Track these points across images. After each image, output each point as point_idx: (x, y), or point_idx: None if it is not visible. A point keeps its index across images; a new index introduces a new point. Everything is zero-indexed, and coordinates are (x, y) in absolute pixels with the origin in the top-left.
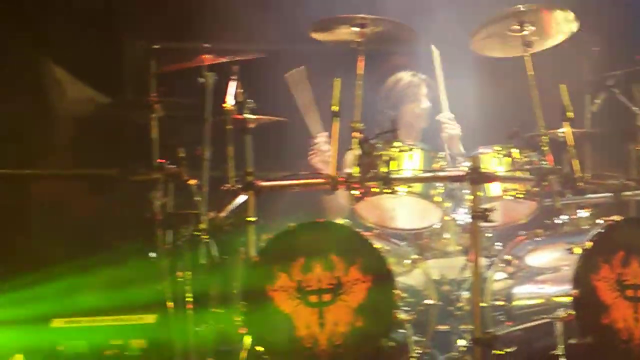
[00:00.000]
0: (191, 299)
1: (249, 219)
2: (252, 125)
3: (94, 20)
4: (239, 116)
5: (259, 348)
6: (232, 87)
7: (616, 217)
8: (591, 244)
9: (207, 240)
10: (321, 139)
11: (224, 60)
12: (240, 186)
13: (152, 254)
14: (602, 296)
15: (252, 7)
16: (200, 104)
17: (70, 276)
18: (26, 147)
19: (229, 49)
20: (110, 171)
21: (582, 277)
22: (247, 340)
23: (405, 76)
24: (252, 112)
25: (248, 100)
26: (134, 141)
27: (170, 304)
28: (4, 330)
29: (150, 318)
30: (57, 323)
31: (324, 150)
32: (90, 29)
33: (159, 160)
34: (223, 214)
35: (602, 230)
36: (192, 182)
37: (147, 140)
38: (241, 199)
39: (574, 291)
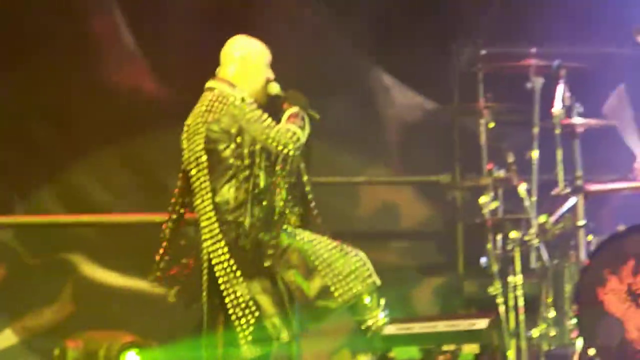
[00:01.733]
0: (522, 304)
1: (579, 222)
2: (580, 129)
3: (422, 27)
4: (568, 120)
5: (591, 351)
6: (560, 91)
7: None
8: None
9: (538, 245)
10: None
11: (551, 64)
12: (569, 190)
13: (483, 259)
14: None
15: (579, 9)
16: (528, 108)
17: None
18: (355, 153)
19: (557, 52)
20: (439, 177)
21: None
22: (579, 343)
23: None
24: (581, 116)
25: (576, 104)
26: (462, 147)
27: (501, 309)
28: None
29: (482, 323)
30: (389, 330)
31: None
32: (418, 36)
33: (488, 166)
34: (553, 218)
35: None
36: (522, 186)
37: (475, 146)
38: (571, 202)
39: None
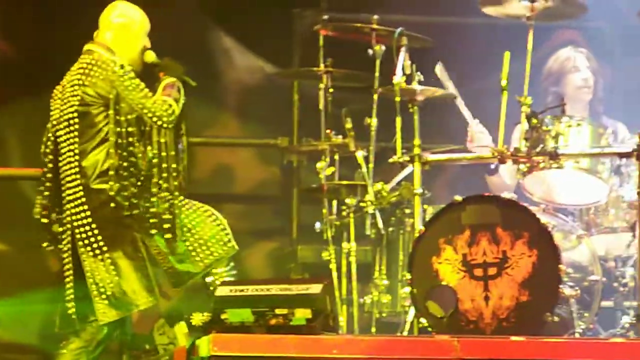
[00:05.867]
0: (356, 270)
1: (415, 191)
2: (420, 98)
3: None
4: (407, 88)
5: (423, 320)
6: (401, 59)
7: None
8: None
9: (373, 212)
10: (476, 126)
11: (393, 31)
12: (407, 158)
13: (318, 224)
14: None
15: None
16: (369, 75)
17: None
18: (192, 114)
19: (400, 20)
20: (277, 141)
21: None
22: (411, 312)
23: (564, 51)
24: (421, 85)
25: (416, 73)
26: (301, 111)
27: (335, 275)
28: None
29: (315, 288)
30: (221, 291)
31: (479, 137)
32: None
33: (326, 131)
34: (389, 186)
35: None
36: (359, 153)
37: (314, 111)
38: (408, 170)
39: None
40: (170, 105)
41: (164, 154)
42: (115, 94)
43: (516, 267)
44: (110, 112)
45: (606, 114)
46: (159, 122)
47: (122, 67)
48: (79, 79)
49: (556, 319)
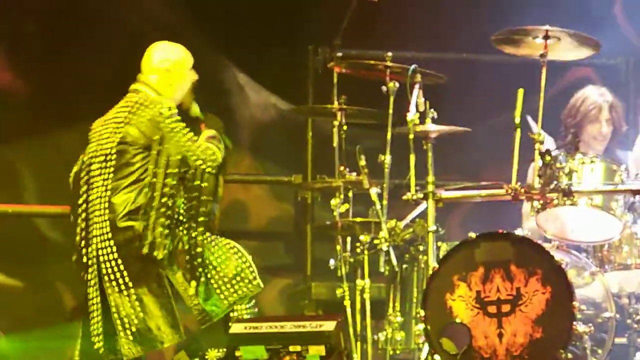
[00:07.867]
0: (370, 307)
1: (429, 228)
2: (433, 135)
3: (278, 27)
4: (421, 125)
5: (437, 357)
6: (414, 96)
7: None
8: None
9: (387, 249)
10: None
11: (407, 68)
12: (421, 195)
13: (332, 262)
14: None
15: (437, 15)
16: (383, 112)
17: None
18: None
19: (415, 57)
20: (291, 177)
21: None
22: (425, 349)
23: (592, 95)
24: (434, 122)
25: (430, 110)
26: (315, 148)
27: (348, 312)
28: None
29: (329, 325)
30: (236, 328)
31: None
32: (274, 36)
33: (340, 168)
34: (403, 223)
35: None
36: (373, 190)
37: (328, 147)
38: (421, 207)
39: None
40: (214, 152)
41: (203, 197)
42: (160, 135)
43: (530, 304)
44: (153, 152)
45: (618, 146)
46: (203, 166)
47: (169, 109)
48: (125, 117)
49: (570, 356)
